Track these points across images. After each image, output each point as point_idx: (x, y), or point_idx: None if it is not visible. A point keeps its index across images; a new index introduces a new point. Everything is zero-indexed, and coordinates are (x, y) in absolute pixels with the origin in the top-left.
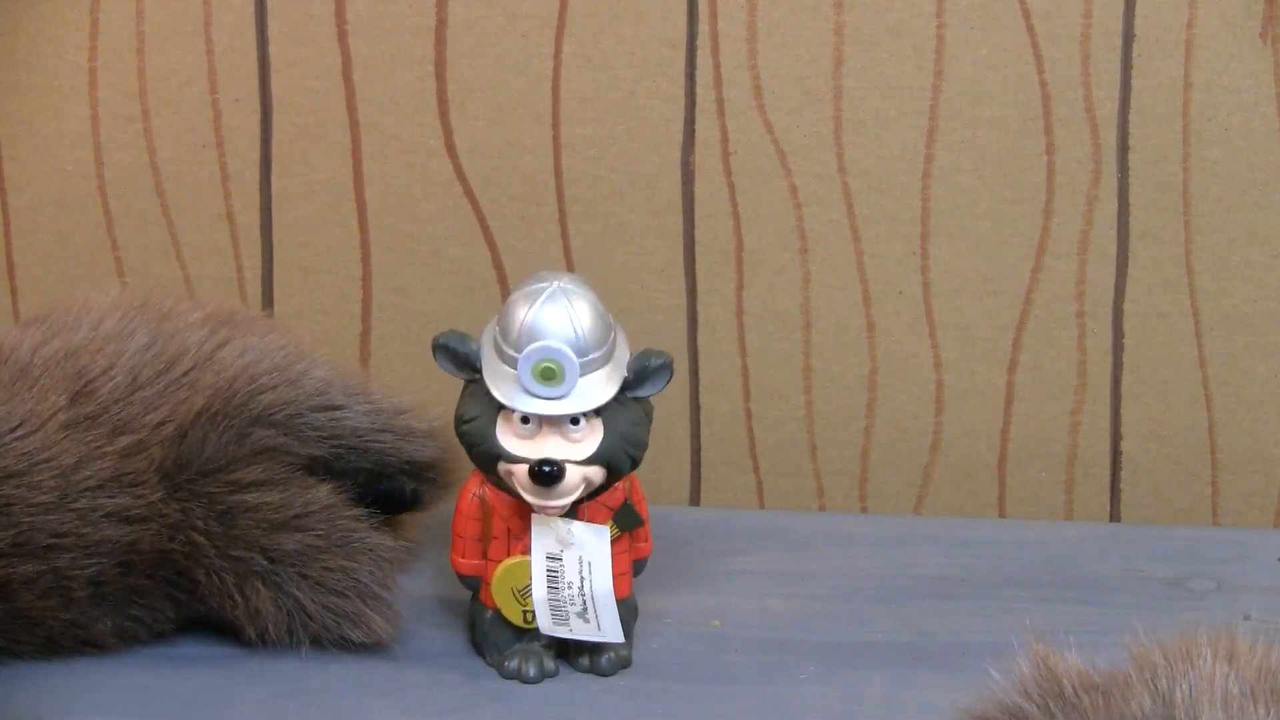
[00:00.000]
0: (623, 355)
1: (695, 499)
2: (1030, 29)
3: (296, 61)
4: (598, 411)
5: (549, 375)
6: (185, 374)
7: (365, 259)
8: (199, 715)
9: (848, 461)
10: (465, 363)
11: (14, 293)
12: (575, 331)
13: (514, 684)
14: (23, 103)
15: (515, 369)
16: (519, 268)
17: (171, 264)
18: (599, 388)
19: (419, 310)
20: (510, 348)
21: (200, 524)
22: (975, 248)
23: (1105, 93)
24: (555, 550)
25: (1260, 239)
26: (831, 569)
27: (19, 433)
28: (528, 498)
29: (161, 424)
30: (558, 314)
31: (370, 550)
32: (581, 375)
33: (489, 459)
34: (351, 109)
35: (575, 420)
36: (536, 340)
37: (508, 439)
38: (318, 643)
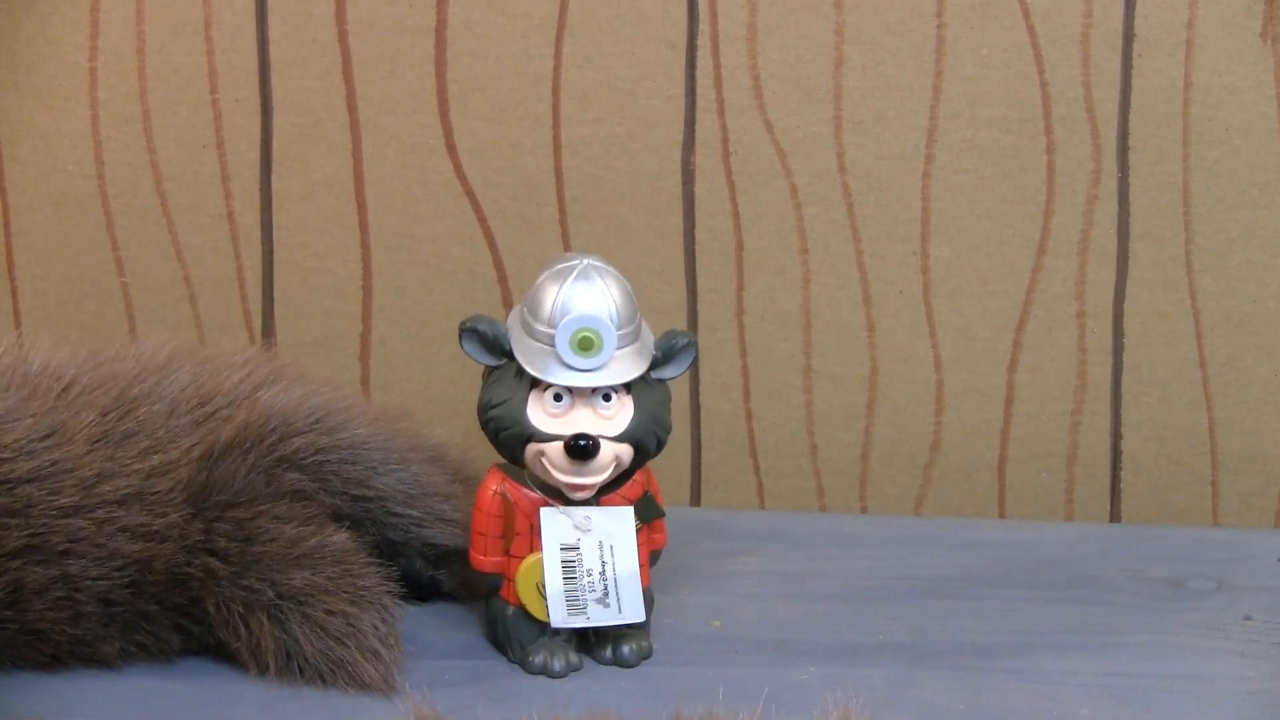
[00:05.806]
0: (648, 336)
1: (695, 499)
2: (1030, 29)
3: (296, 61)
4: (628, 389)
5: (587, 345)
6: (221, 409)
7: (365, 259)
8: (199, 715)
9: (848, 461)
10: (494, 345)
11: (14, 293)
12: (608, 305)
13: (512, 685)
14: (23, 103)
15: (549, 344)
16: (519, 268)
17: (171, 264)
18: (631, 362)
19: (419, 310)
20: (544, 324)
21: (220, 545)
22: (975, 248)
23: (1105, 93)
24: (570, 540)
25: (1260, 239)
26: (831, 569)
27: (47, 442)
28: (559, 477)
29: (192, 448)
30: (590, 289)
31: (377, 603)
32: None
33: (519, 441)
34: (351, 109)
35: (607, 397)
36: (572, 313)
37: (539, 419)
38: (314, 683)
